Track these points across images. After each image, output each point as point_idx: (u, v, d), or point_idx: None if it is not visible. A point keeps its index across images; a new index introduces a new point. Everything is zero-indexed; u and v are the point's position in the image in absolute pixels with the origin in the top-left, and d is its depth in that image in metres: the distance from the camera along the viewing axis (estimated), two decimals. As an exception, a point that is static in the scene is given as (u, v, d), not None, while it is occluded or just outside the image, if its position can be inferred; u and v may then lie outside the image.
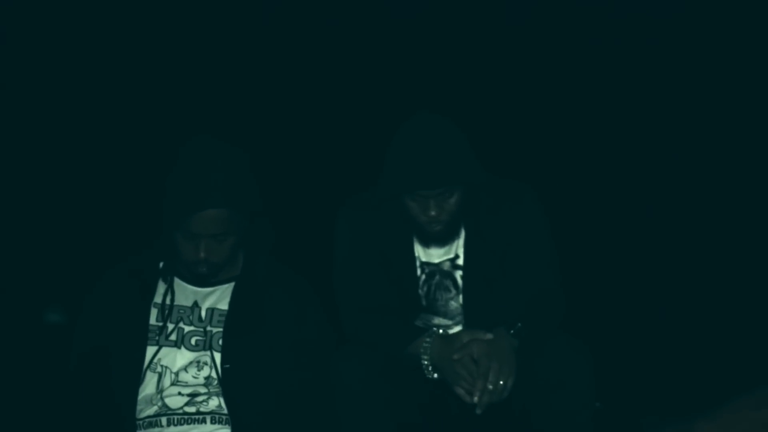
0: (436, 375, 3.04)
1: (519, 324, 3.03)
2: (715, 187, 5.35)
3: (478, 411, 2.91)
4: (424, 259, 3.28)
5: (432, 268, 3.28)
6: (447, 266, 3.28)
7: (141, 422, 2.98)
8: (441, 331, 3.12)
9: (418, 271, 3.27)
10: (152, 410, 2.98)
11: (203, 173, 2.88)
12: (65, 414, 3.06)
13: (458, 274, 3.28)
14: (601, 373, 3.09)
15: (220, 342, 3.01)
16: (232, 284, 3.09)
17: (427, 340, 3.05)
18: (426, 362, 3.04)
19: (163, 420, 2.97)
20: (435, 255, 3.28)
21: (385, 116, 3.49)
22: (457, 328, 3.26)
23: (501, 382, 2.91)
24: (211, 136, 3.00)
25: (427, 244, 3.26)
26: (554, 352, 2.99)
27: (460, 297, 3.27)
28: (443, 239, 3.23)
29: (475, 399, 2.90)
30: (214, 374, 2.99)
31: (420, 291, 3.28)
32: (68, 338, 3.17)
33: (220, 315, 3.05)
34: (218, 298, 3.08)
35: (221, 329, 3.02)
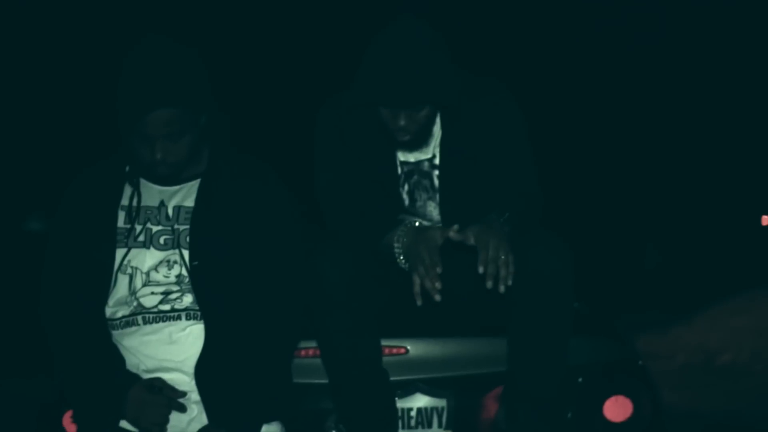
0: (407, 265, 3.05)
1: (507, 213, 3.04)
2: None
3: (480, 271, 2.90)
4: (402, 159, 3.27)
5: (410, 167, 3.27)
6: (426, 166, 3.28)
7: (117, 322, 3.00)
8: (417, 224, 3.12)
9: (398, 170, 3.26)
10: (127, 310, 2.99)
11: (150, 73, 2.85)
12: (41, 320, 3.06)
13: (435, 173, 3.27)
14: (579, 273, 3.11)
15: (188, 239, 3.00)
16: (198, 181, 3.07)
17: (402, 229, 3.06)
18: (398, 251, 3.05)
19: (139, 319, 2.98)
20: (411, 155, 3.26)
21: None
22: None
23: (502, 257, 2.91)
24: (158, 36, 2.95)
25: (399, 146, 3.23)
26: (534, 248, 3.00)
27: (438, 196, 3.27)
28: (411, 148, 3.21)
29: (480, 270, 2.92)
30: (184, 272, 2.99)
31: (401, 190, 3.27)
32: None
33: (186, 212, 3.03)
34: (184, 195, 3.06)
35: (188, 226, 3.01)
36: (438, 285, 2.93)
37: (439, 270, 2.94)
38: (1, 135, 10.69)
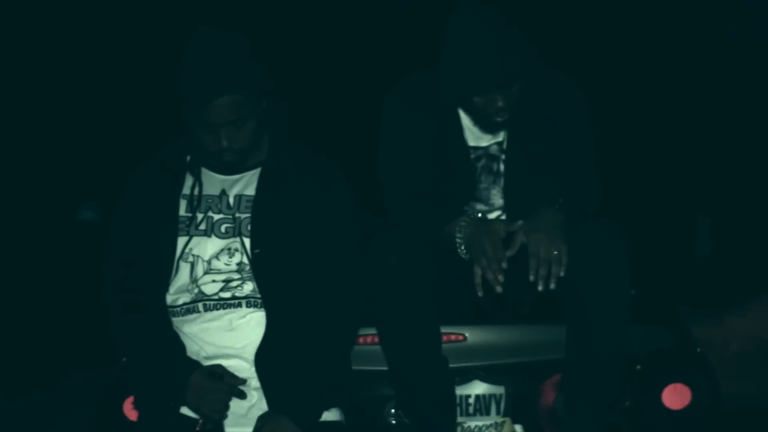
0: (468, 256, 3.07)
1: (561, 200, 3.05)
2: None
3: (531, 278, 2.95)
4: (471, 144, 3.28)
5: (479, 153, 3.27)
6: (494, 150, 3.29)
7: (178, 309, 3.03)
8: (479, 215, 3.13)
9: (468, 155, 3.27)
10: (188, 298, 3.02)
11: (211, 62, 2.88)
12: (104, 308, 3.10)
13: (502, 158, 3.27)
14: (636, 261, 3.10)
15: (249, 227, 3.01)
16: (259, 170, 3.09)
17: (464, 219, 3.07)
18: (459, 241, 3.06)
19: (200, 306, 3.00)
20: (483, 139, 3.27)
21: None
22: (496, 214, 3.28)
23: (554, 252, 2.93)
24: (212, 26, 2.98)
25: (491, 131, 3.25)
26: (591, 236, 3.00)
27: (502, 181, 3.27)
28: (504, 127, 3.20)
29: (531, 277, 2.97)
30: (245, 260, 3.00)
31: (467, 175, 3.28)
32: (102, 235, 3.20)
33: (247, 201, 3.05)
34: (245, 184, 3.08)
35: (249, 215, 3.03)
36: (501, 278, 2.95)
37: (504, 265, 2.95)
38: (55, 125, 10.77)
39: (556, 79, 3.30)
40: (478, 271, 3.00)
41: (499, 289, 2.96)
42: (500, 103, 3.09)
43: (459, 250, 3.10)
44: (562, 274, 2.95)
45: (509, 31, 3.03)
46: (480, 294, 2.99)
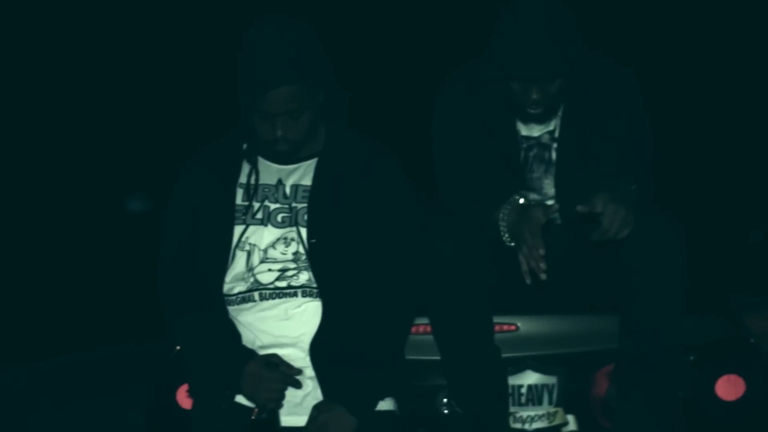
0: (513, 243, 3.06)
1: (635, 186, 3.04)
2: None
3: (594, 238, 2.96)
4: (524, 133, 3.27)
5: (531, 142, 3.27)
6: (546, 139, 3.28)
7: (234, 298, 3.04)
8: (522, 200, 3.12)
9: (519, 144, 3.26)
10: (244, 287, 3.03)
11: (270, 51, 2.88)
12: (159, 295, 3.12)
13: (554, 146, 3.27)
14: (690, 250, 3.09)
15: (306, 217, 3.02)
16: (315, 160, 3.10)
17: (507, 207, 3.06)
18: (503, 228, 3.06)
19: (256, 295, 3.01)
20: (535, 129, 3.28)
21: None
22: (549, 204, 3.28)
23: (625, 232, 2.94)
24: (277, 13, 2.98)
25: (523, 120, 3.23)
26: (647, 225, 2.99)
27: (554, 169, 3.27)
28: (539, 120, 3.21)
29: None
30: (301, 249, 3.01)
31: (518, 165, 3.27)
32: (150, 225, 3.22)
33: (304, 191, 3.06)
34: (302, 174, 3.09)
35: (306, 205, 3.04)
36: (543, 265, 2.93)
37: (542, 251, 2.94)
38: (103, 117, 10.85)
39: (610, 68, 3.29)
40: (522, 260, 2.99)
41: (543, 276, 2.94)
42: (534, 96, 3.09)
43: (504, 238, 3.09)
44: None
45: (562, 23, 3.03)
46: (528, 282, 2.98)
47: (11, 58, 10.47)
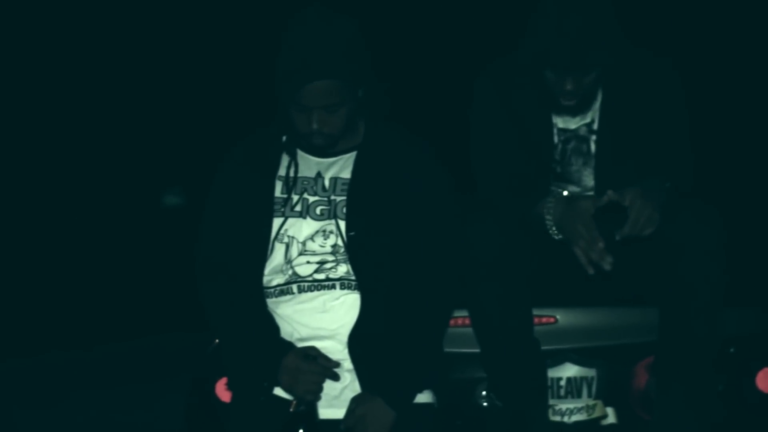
0: (560, 236, 3.05)
1: (668, 184, 3.02)
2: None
3: (618, 237, 2.95)
4: (561, 126, 3.26)
5: (568, 135, 3.26)
6: (583, 131, 3.27)
7: (272, 290, 3.05)
8: (566, 194, 3.11)
9: (555, 139, 3.25)
10: (282, 279, 3.03)
11: (309, 44, 2.88)
12: (198, 287, 3.13)
13: (593, 138, 3.25)
14: (730, 242, 3.07)
15: (344, 210, 3.03)
16: (355, 153, 3.10)
17: (551, 200, 3.06)
18: (549, 222, 3.05)
19: (294, 287, 3.02)
20: (572, 121, 3.26)
21: None
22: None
23: (647, 231, 2.93)
24: (318, 6, 2.98)
25: (558, 113, 3.22)
26: (687, 218, 2.98)
27: (593, 162, 3.25)
28: (573, 113, 3.20)
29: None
30: (340, 242, 3.02)
31: (556, 157, 3.26)
32: (187, 218, 3.23)
33: (343, 184, 3.06)
34: (341, 167, 3.09)
35: (345, 197, 3.04)
36: (609, 258, 2.94)
37: (601, 244, 2.94)
38: (139, 112, 10.90)
39: (648, 60, 3.27)
40: (579, 253, 2.98)
41: (608, 267, 2.94)
42: (569, 86, 3.07)
43: (550, 231, 3.08)
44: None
45: (600, 14, 3.01)
46: (591, 272, 2.97)
47: (52, 55, 10.55)
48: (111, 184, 10.80)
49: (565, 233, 3.03)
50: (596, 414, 3.34)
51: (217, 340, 3.34)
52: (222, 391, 3.37)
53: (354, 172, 3.06)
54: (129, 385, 7.14)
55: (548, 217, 3.08)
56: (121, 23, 10.55)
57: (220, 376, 3.36)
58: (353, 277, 2.99)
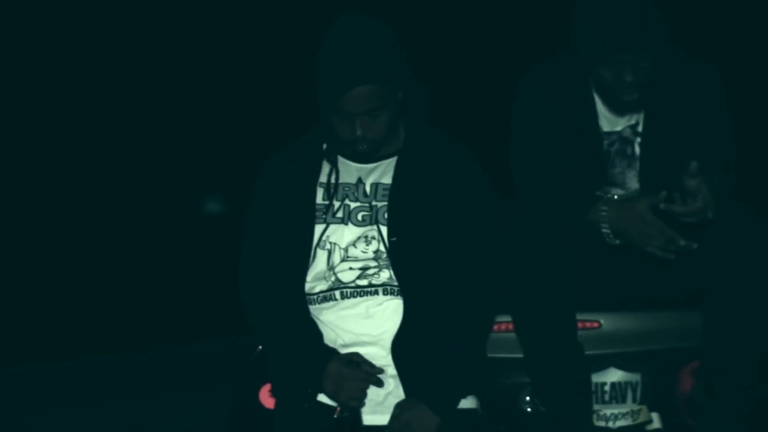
0: (618, 241, 3.03)
1: (717, 180, 3.00)
2: None
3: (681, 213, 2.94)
4: (606, 129, 3.25)
5: (612, 137, 3.25)
6: (627, 133, 3.25)
7: (315, 297, 3.06)
8: (616, 197, 3.10)
9: (602, 141, 3.24)
10: (325, 285, 3.04)
11: (348, 51, 2.89)
12: (241, 295, 3.14)
13: (637, 141, 3.24)
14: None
15: (386, 215, 3.03)
16: (395, 158, 3.10)
17: (603, 208, 3.05)
18: (606, 230, 3.03)
19: (337, 294, 3.03)
20: (617, 123, 3.25)
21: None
22: None
23: (710, 215, 2.93)
24: (355, 13, 3.00)
25: (620, 112, 3.22)
26: (732, 220, 2.97)
27: (638, 164, 3.24)
28: (635, 107, 3.17)
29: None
30: (382, 248, 3.02)
31: (602, 159, 3.25)
32: (229, 225, 3.24)
33: (384, 189, 3.07)
34: (382, 172, 3.10)
35: (386, 203, 3.04)
36: (691, 242, 2.95)
37: (682, 242, 2.96)
38: (182, 119, 10.97)
39: (692, 65, 3.26)
40: (658, 252, 3.00)
41: (695, 246, 2.95)
42: (629, 78, 3.05)
43: (608, 239, 3.06)
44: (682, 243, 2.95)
45: (647, 3, 3.01)
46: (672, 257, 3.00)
47: (88, 60, 10.65)
48: (153, 190, 10.88)
49: (629, 237, 3.03)
50: (641, 419, 3.32)
51: (260, 347, 3.35)
52: (266, 398, 3.37)
53: (395, 178, 3.06)
54: (172, 389, 7.20)
55: (604, 225, 3.07)
56: (170, 31, 10.63)
57: (264, 383, 3.37)
58: (396, 283, 2.99)
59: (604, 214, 3.05)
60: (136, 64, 10.76)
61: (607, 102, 3.22)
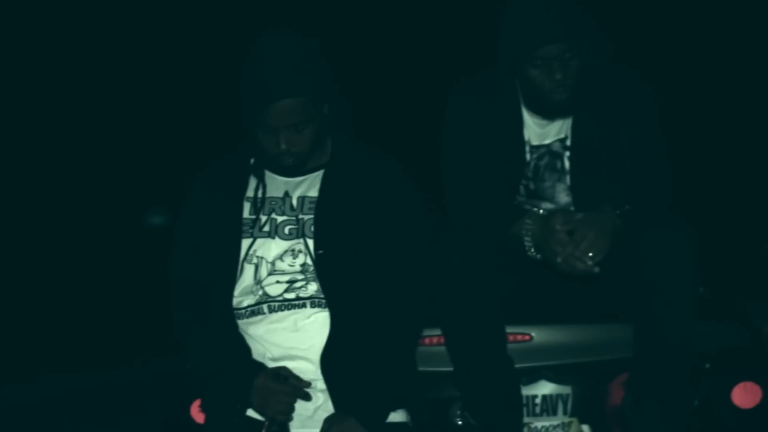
0: (539, 255, 3.04)
1: (627, 207, 3.02)
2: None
3: (558, 260, 2.99)
4: (534, 143, 3.25)
5: (541, 151, 3.25)
6: (556, 147, 3.26)
7: (243, 311, 3.04)
8: (542, 212, 3.11)
9: (528, 156, 3.25)
10: (253, 299, 3.03)
11: (272, 64, 2.89)
12: (170, 310, 3.12)
13: (566, 155, 3.25)
14: (705, 257, 3.06)
15: (312, 228, 3.02)
16: (322, 171, 3.09)
17: (527, 221, 3.06)
18: (528, 243, 3.05)
19: (265, 308, 3.01)
20: (546, 136, 3.24)
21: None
22: None
23: (590, 254, 2.93)
24: (279, 28, 3.00)
25: (549, 116, 3.21)
26: (659, 232, 2.97)
27: (568, 178, 3.25)
28: (565, 111, 3.17)
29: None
30: (309, 261, 3.01)
31: (528, 173, 3.26)
32: (170, 239, 3.23)
33: (310, 202, 3.06)
34: (308, 186, 3.09)
35: (312, 216, 3.03)
36: (594, 268, 2.98)
37: (578, 253, 2.97)
38: (123, 131, 10.90)
39: (622, 73, 3.27)
40: (566, 269, 3.01)
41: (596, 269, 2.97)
42: (558, 75, 3.06)
43: (529, 253, 3.08)
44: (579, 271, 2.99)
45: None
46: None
47: (32, 69, 10.56)
48: (93, 204, 10.80)
49: (544, 251, 3.03)
50: (572, 431, 3.33)
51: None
52: (197, 413, 3.36)
53: (321, 191, 3.06)
54: (98, 408, 7.09)
55: (527, 238, 3.08)
56: (112, 39, 10.58)
57: (195, 398, 3.35)
58: (323, 296, 2.98)
59: (528, 226, 3.07)
60: (81, 76, 10.70)
61: (535, 107, 3.22)
